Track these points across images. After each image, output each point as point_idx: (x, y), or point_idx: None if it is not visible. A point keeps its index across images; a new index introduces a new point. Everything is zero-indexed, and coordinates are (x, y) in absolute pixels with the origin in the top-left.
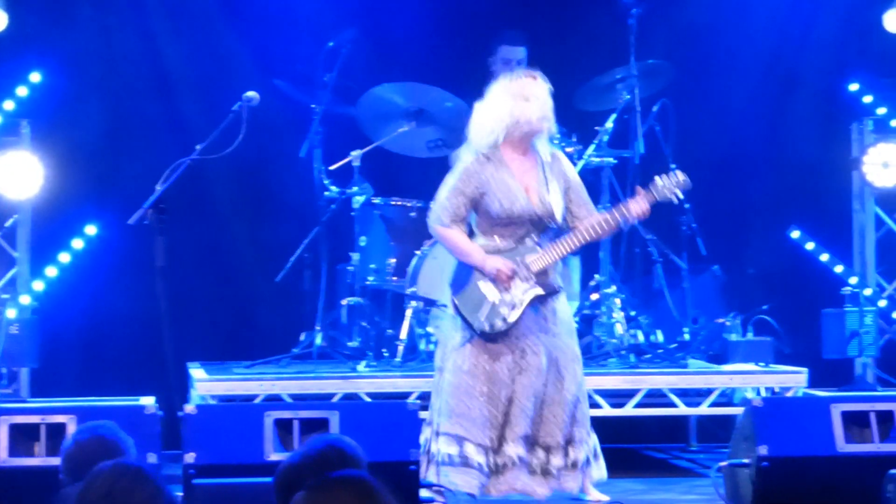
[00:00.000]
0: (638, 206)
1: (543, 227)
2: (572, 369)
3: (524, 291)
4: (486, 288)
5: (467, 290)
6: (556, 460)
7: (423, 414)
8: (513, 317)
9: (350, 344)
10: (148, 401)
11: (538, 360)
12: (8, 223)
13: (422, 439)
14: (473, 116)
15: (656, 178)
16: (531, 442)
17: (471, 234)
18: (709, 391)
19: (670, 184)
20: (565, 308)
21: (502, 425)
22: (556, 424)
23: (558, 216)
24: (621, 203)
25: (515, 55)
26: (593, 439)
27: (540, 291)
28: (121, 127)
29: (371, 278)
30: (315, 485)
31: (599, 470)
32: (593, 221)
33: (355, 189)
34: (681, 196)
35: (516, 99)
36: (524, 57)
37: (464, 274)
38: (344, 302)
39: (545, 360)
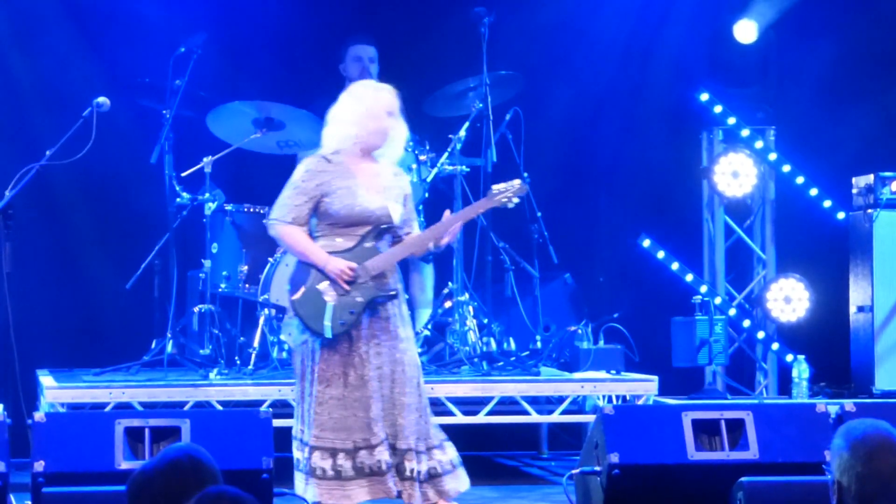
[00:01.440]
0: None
1: (382, 231)
2: (412, 374)
3: (362, 294)
4: (326, 290)
5: (307, 293)
6: (419, 466)
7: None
8: (350, 319)
9: (201, 352)
10: None
11: (381, 364)
12: None
13: (296, 455)
14: (328, 121)
15: (493, 186)
16: (392, 447)
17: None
18: (560, 399)
19: (507, 190)
20: (405, 313)
21: (363, 428)
22: (409, 429)
23: (396, 218)
24: (437, 224)
25: (366, 52)
26: (452, 450)
27: (377, 294)
28: None
29: (223, 285)
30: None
31: (458, 480)
32: (424, 233)
33: (207, 195)
34: (515, 202)
35: (376, 111)
36: (374, 55)
37: (302, 275)
38: (195, 309)
39: (387, 365)
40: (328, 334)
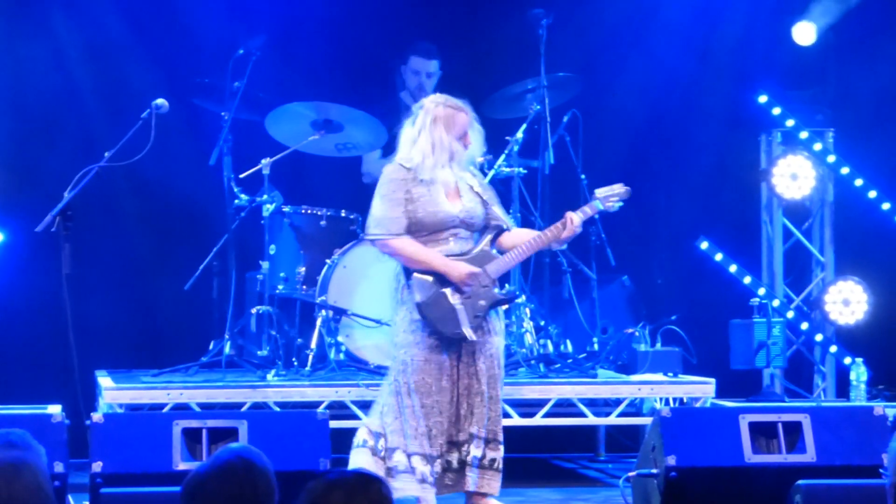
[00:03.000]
0: (569, 231)
1: (492, 232)
2: (501, 372)
3: (485, 298)
4: (449, 294)
5: (432, 298)
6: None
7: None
8: (476, 323)
9: (259, 353)
10: (55, 409)
11: (485, 362)
12: None
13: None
14: (405, 134)
15: (596, 190)
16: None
17: None
18: (617, 401)
19: (611, 193)
20: (499, 316)
21: (454, 430)
22: (491, 419)
23: (507, 220)
24: (554, 226)
25: (426, 67)
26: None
27: (500, 298)
28: (28, 133)
29: (281, 287)
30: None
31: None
32: (533, 235)
33: (265, 197)
34: (620, 205)
35: (450, 137)
36: (436, 70)
37: (425, 283)
38: (253, 310)
39: (487, 362)
40: (472, 337)
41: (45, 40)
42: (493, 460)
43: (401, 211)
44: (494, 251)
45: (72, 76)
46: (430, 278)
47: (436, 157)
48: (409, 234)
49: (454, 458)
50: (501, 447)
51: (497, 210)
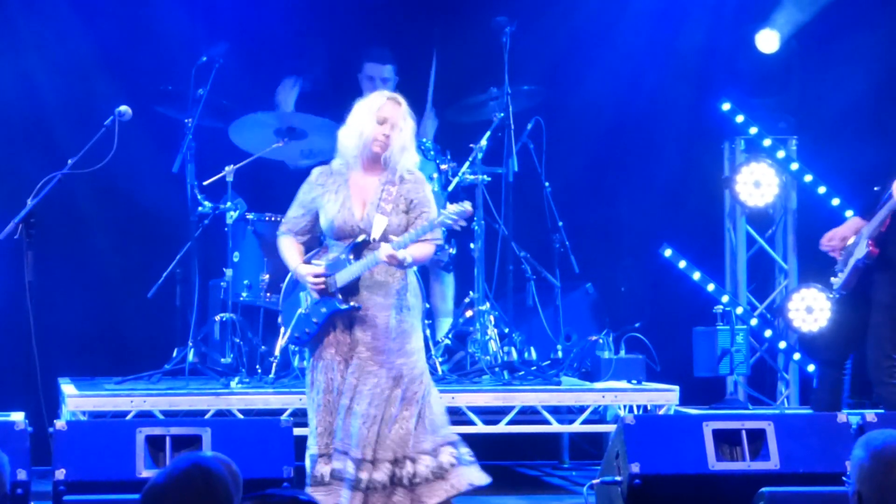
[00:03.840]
0: (384, 250)
1: (363, 242)
2: (401, 384)
3: (326, 305)
4: (303, 297)
5: (290, 300)
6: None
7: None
8: (313, 329)
9: (223, 360)
10: (18, 416)
11: (357, 374)
12: None
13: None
14: (339, 133)
15: (448, 204)
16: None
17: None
18: (581, 408)
19: (456, 212)
20: (403, 326)
21: (332, 433)
22: (393, 441)
23: (375, 232)
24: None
25: (380, 73)
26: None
27: (339, 306)
28: None
29: (244, 294)
30: None
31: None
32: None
33: (229, 204)
34: (462, 224)
35: (370, 119)
36: (391, 75)
37: (292, 283)
38: (217, 318)
39: (358, 378)
40: (295, 342)
41: (7, 49)
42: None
43: (301, 212)
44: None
45: (34, 84)
46: (295, 280)
47: (350, 147)
48: (325, 238)
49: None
50: (411, 463)
51: (378, 222)
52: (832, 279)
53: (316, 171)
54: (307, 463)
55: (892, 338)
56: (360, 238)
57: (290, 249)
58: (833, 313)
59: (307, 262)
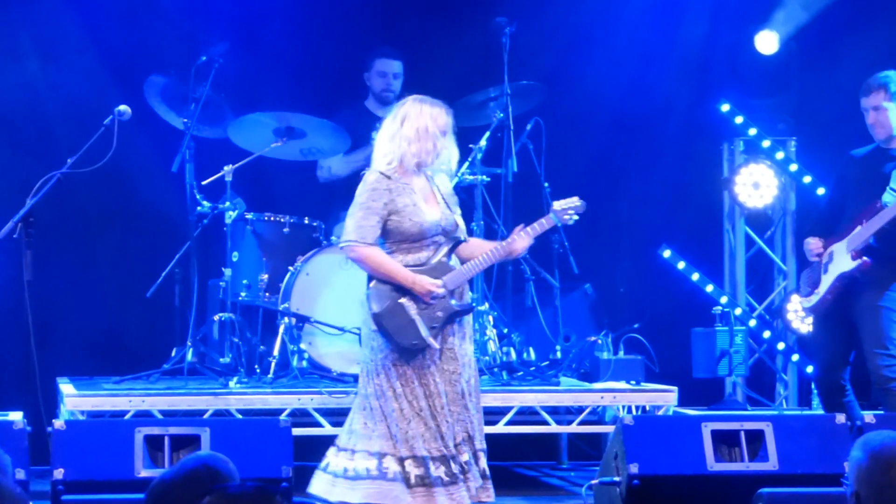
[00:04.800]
0: (522, 242)
1: (451, 243)
2: (476, 382)
3: (442, 309)
4: (409, 305)
5: (391, 309)
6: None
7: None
8: (433, 333)
9: (221, 360)
10: (16, 416)
11: (459, 370)
12: None
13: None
14: (383, 133)
15: (554, 202)
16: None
17: None
18: (580, 409)
19: (568, 206)
20: (470, 322)
21: (443, 435)
22: (478, 429)
23: (462, 232)
24: (507, 240)
25: (391, 68)
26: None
27: (456, 309)
28: None
29: (243, 294)
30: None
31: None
32: (488, 248)
33: (227, 204)
34: (576, 218)
35: (434, 131)
36: (400, 71)
37: (383, 293)
38: (216, 318)
39: (463, 371)
40: (434, 345)
41: (7, 47)
42: (485, 470)
43: (376, 220)
44: (451, 262)
45: (34, 83)
46: (387, 288)
47: (415, 154)
48: (393, 243)
49: (443, 470)
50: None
51: (458, 219)
52: (802, 300)
53: (374, 177)
54: (392, 465)
55: (884, 333)
56: (453, 237)
57: (390, 260)
58: (820, 335)
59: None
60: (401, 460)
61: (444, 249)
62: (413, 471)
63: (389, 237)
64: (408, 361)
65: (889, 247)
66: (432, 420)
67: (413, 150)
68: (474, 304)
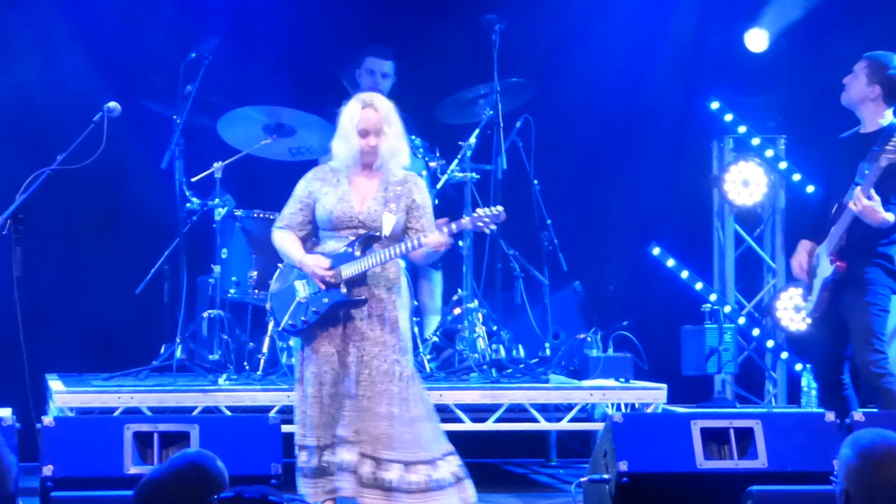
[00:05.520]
0: (435, 238)
1: (368, 238)
2: (388, 383)
3: (330, 297)
4: (300, 287)
5: (283, 289)
6: (389, 474)
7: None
8: (312, 318)
9: (211, 357)
10: (5, 412)
11: (352, 366)
12: None
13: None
14: (332, 143)
15: (477, 209)
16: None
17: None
18: (569, 406)
19: (487, 216)
20: (396, 320)
21: (328, 426)
22: (379, 438)
23: (385, 229)
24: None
25: (381, 67)
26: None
27: (344, 298)
28: None
29: (232, 291)
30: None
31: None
32: (397, 244)
33: (217, 201)
34: (493, 228)
35: (353, 132)
36: (390, 71)
37: (285, 274)
38: (205, 314)
39: (355, 368)
40: (280, 328)
41: None
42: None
43: (297, 207)
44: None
45: (23, 80)
46: (288, 269)
47: (344, 155)
48: (317, 229)
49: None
50: (431, 465)
51: (386, 216)
52: (803, 304)
53: (315, 169)
54: (301, 456)
55: (871, 328)
56: (370, 232)
57: (289, 241)
58: (816, 337)
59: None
60: (301, 448)
61: (358, 242)
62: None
63: (319, 224)
64: (311, 347)
65: (858, 243)
66: (328, 408)
67: (336, 150)
68: (364, 299)
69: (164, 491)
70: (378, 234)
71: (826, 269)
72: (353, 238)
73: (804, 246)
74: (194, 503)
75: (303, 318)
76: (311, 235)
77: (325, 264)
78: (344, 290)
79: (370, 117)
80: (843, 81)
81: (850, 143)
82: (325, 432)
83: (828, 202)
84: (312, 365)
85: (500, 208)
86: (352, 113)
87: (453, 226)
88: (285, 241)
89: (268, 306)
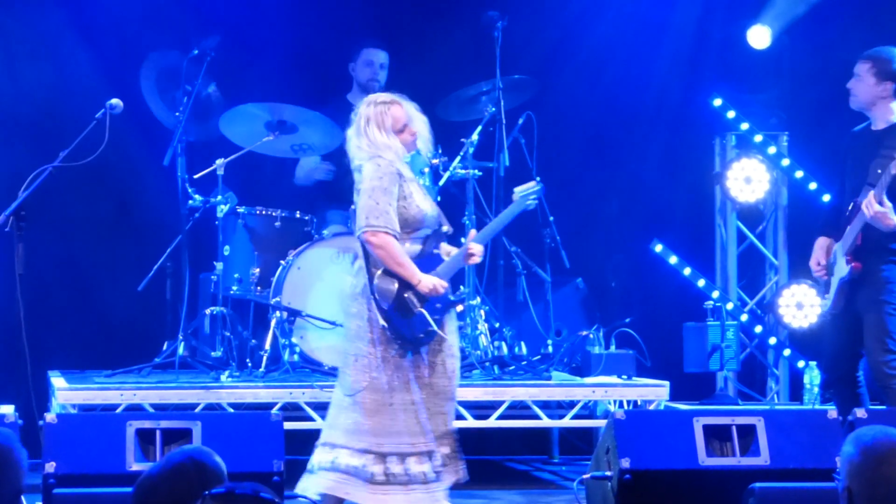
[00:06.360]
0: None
1: (441, 235)
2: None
3: (441, 301)
4: (413, 300)
5: (397, 304)
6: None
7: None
8: (432, 326)
9: (213, 354)
10: (7, 409)
11: (455, 363)
12: None
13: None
14: (351, 142)
15: (515, 189)
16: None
17: None
18: (571, 403)
19: (531, 191)
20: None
21: (426, 431)
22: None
23: (447, 226)
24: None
25: (378, 58)
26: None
27: (451, 300)
28: None
29: (235, 288)
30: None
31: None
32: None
33: (219, 198)
34: (535, 202)
35: (391, 131)
36: (386, 61)
37: (388, 289)
38: (207, 311)
39: (451, 361)
40: (443, 335)
41: None
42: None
43: (392, 206)
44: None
45: (24, 76)
46: (394, 283)
47: (395, 155)
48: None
49: (427, 466)
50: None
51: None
52: (821, 301)
53: (389, 164)
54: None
55: (886, 328)
56: (445, 229)
57: (405, 254)
58: (831, 332)
59: None
60: (382, 456)
61: (433, 241)
62: (393, 468)
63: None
64: (405, 354)
65: (873, 242)
66: (422, 414)
67: (387, 155)
68: (466, 296)
69: (163, 487)
70: (446, 230)
71: (842, 268)
72: (426, 238)
73: (821, 244)
74: (192, 499)
75: (428, 329)
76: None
77: (442, 283)
78: (450, 292)
79: (406, 111)
80: (848, 86)
81: (862, 139)
82: (423, 438)
83: (843, 198)
84: (405, 371)
85: (536, 180)
86: (394, 107)
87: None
88: (401, 252)
89: (276, 301)
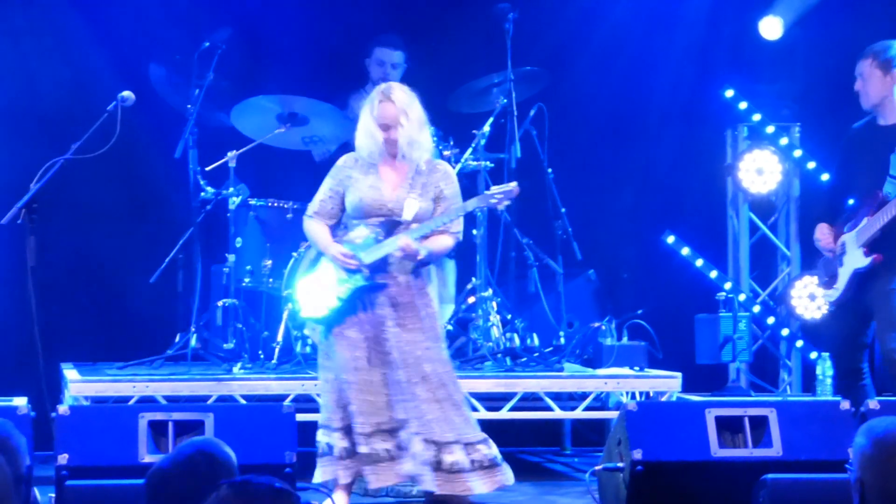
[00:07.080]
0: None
1: (393, 224)
2: (425, 369)
3: (353, 282)
4: (326, 275)
5: (310, 277)
6: (452, 456)
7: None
8: (335, 304)
9: (225, 346)
10: (20, 401)
11: (391, 353)
12: None
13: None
14: (356, 136)
15: (491, 187)
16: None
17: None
18: (583, 395)
19: (500, 192)
20: (427, 309)
21: (371, 413)
22: (434, 422)
23: (407, 214)
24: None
25: (391, 58)
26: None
27: (361, 283)
28: None
29: (247, 280)
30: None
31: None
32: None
33: (231, 190)
34: (506, 204)
35: (373, 125)
36: (400, 61)
37: (312, 261)
38: (219, 303)
39: (396, 356)
40: (304, 314)
41: (8, 33)
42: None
43: (327, 195)
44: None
45: (37, 69)
46: (316, 258)
47: (367, 145)
48: (348, 217)
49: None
50: (456, 448)
51: (410, 202)
52: (825, 292)
53: (344, 158)
54: (324, 439)
55: None
56: (394, 219)
57: (319, 230)
58: (836, 323)
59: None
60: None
61: (383, 228)
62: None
63: (347, 212)
64: (339, 334)
65: (891, 233)
66: (363, 392)
67: (364, 147)
68: (384, 284)
69: (174, 479)
70: (401, 220)
71: (858, 260)
72: (378, 225)
73: (823, 228)
74: (204, 490)
75: (326, 304)
76: (341, 223)
77: (346, 252)
78: (366, 274)
79: (387, 110)
80: (856, 89)
81: (868, 133)
82: (366, 419)
83: (841, 190)
84: (344, 350)
85: (513, 184)
86: (371, 107)
87: (420, 227)
88: (314, 229)
89: (288, 293)
